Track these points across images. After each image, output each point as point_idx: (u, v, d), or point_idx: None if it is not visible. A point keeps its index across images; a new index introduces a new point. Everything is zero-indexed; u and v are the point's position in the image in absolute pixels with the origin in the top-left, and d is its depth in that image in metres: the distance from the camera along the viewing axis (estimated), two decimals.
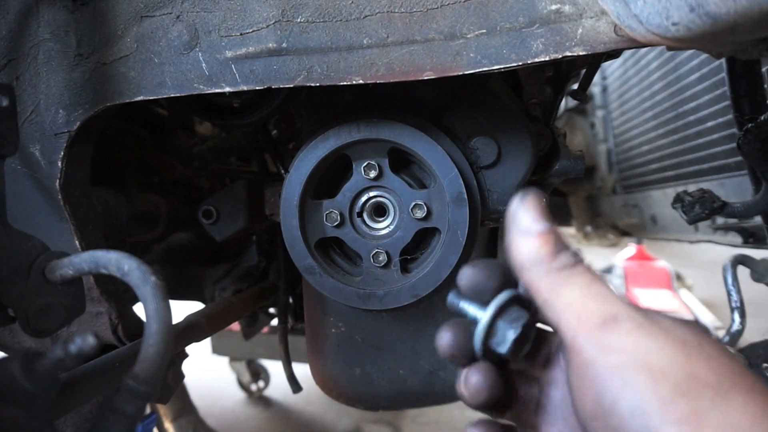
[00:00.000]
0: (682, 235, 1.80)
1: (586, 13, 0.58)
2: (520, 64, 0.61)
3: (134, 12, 0.69)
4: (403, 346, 0.97)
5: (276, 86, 0.67)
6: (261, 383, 2.97)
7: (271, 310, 1.71)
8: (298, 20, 0.66)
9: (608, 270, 4.83)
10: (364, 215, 0.84)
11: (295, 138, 1.33)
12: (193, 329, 0.93)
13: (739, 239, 1.47)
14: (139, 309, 0.73)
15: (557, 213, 2.83)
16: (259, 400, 2.95)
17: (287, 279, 1.36)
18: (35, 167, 0.73)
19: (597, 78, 2.43)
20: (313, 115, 0.88)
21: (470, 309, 0.47)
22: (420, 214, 0.80)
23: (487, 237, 1.00)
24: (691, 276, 4.69)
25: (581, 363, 0.40)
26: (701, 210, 1.05)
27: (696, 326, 0.39)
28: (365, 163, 0.81)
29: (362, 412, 2.65)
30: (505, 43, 0.61)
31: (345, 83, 0.66)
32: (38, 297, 0.55)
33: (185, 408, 2.20)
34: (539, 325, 0.49)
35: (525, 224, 0.44)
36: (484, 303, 0.46)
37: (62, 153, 0.72)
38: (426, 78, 0.64)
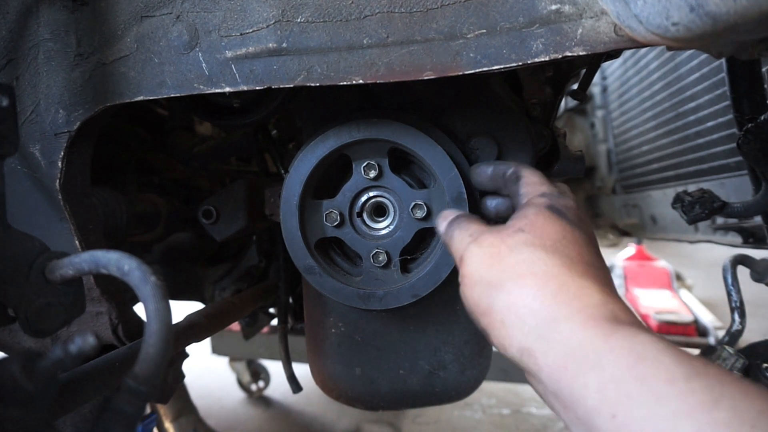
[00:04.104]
0: (682, 235, 1.80)
1: (586, 13, 0.57)
2: (520, 64, 0.61)
3: (134, 12, 0.69)
4: (403, 346, 0.97)
5: (276, 86, 0.67)
6: (261, 383, 2.97)
7: (271, 310, 1.71)
8: (298, 20, 0.65)
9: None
10: (364, 215, 0.84)
11: (295, 138, 1.33)
12: (193, 329, 0.93)
13: (739, 239, 1.47)
14: (139, 309, 0.73)
15: None
16: (259, 400, 2.95)
17: (287, 279, 1.36)
18: (35, 167, 0.73)
19: (597, 78, 2.43)
20: (313, 115, 0.88)
21: None
22: (420, 214, 0.80)
23: None
24: (691, 276, 4.69)
25: None
26: (701, 210, 1.05)
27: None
28: (365, 163, 0.81)
29: (362, 412, 2.66)
30: (505, 43, 0.61)
31: (345, 83, 0.66)
32: (38, 297, 0.54)
33: (185, 408, 2.20)
34: None
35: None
36: None
37: (62, 153, 0.72)
38: (426, 78, 0.64)
